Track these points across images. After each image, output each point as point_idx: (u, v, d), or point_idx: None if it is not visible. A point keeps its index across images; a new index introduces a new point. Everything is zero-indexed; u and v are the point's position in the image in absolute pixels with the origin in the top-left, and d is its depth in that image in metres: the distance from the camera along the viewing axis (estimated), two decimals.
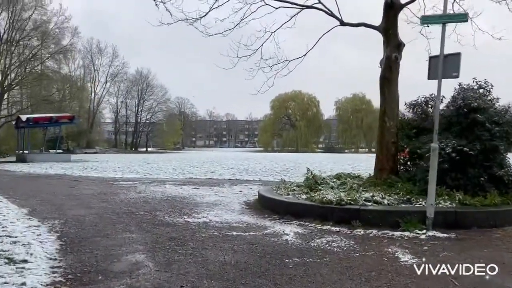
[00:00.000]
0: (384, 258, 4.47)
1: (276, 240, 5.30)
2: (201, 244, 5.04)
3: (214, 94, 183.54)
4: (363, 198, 6.78)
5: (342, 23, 8.92)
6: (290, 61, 9.38)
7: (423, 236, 5.47)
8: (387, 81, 8.12)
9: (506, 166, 6.99)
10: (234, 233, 5.68)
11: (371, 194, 6.99)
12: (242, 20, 9.04)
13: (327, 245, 5.03)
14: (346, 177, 9.08)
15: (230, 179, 14.01)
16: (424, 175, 7.05)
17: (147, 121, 69.60)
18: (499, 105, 7.47)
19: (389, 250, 4.81)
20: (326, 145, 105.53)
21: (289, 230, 5.84)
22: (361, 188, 7.66)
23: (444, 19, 5.65)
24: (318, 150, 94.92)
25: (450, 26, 8.46)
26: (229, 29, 9.27)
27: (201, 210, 7.47)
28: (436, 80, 5.88)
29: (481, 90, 7.48)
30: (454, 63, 5.62)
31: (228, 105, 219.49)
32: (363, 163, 26.35)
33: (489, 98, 7.47)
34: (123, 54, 65.19)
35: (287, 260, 4.38)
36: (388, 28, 8.17)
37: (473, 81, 7.52)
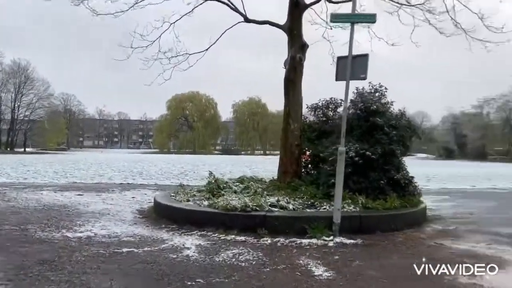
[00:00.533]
0: (297, 273, 4.05)
1: (175, 256, 4.58)
2: (81, 267, 4.09)
3: (104, 91, 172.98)
4: (269, 203, 6.39)
5: (247, 20, 8.51)
6: (190, 54, 8.70)
7: (331, 244, 5.23)
8: (291, 82, 7.90)
9: (403, 170, 7.19)
10: (125, 249, 4.80)
11: (276, 198, 6.64)
12: (136, 3, 8.10)
13: (234, 260, 4.46)
14: (249, 181, 8.66)
15: (121, 183, 12.75)
16: (327, 179, 6.95)
17: (26, 118, 62.27)
18: (393, 109, 7.70)
19: (301, 262, 4.43)
20: (223, 147, 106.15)
21: (190, 243, 5.15)
22: (265, 192, 7.28)
23: (353, 18, 5.51)
24: (216, 152, 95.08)
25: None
26: (122, 11, 8.25)
27: (85, 222, 6.37)
28: (344, 82, 5.73)
29: (377, 94, 7.63)
30: (362, 65, 5.51)
31: (120, 104, 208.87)
32: (260, 165, 26.72)
33: (384, 101, 7.63)
34: None
35: (189, 283, 3.71)
36: (293, 28, 7.96)
37: (369, 85, 7.65)
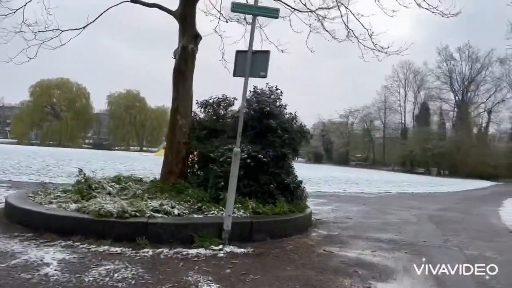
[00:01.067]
0: None
1: (29, 276, 3.60)
2: None
3: None
4: (151, 208, 5.66)
5: (133, 0, 7.60)
6: (63, 31, 7.40)
7: (221, 254, 4.76)
8: (181, 74, 7.24)
9: (292, 174, 7.10)
10: None
11: (160, 202, 5.92)
12: None
13: (108, 279, 3.68)
14: (127, 181, 7.70)
15: None
16: (217, 181, 6.49)
17: None
18: (287, 112, 7.60)
19: (189, 278, 3.85)
20: (95, 141, 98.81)
21: (51, 257, 4.17)
22: (146, 195, 6.49)
23: (255, 10, 5.13)
24: (86, 145, 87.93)
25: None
26: None
27: None
28: (239, 79, 5.33)
29: (272, 96, 7.45)
30: (263, 62, 5.16)
31: None
32: (137, 162, 25.19)
33: (278, 104, 7.49)
34: None
35: None
36: (186, 15, 7.32)
37: (266, 86, 7.44)
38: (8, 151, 27.47)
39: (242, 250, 4.98)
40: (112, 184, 7.32)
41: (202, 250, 4.82)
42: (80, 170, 7.14)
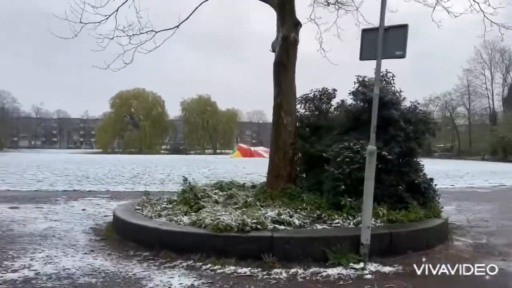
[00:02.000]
0: None
1: None
2: None
3: (42, 88, 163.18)
4: (270, 219, 5.02)
5: None
6: (157, 32, 7.05)
7: (368, 275, 3.96)
8: (283, 67, 6.55)
9: (421, 171, 6.10)
10: None
11: (277, 211, 5.26)
12: None
13: None
14: (229, 187, 7.23)
15: (65, 190, 10.75)
16: (335, 184, 5.68)
17: None
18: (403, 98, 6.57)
19: None
20: (171, 146, 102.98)
21: (179, 283, 3.66)
22: (258, 203, 5.89)
23: None
24: (163, 151, 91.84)
25: None
26: None
27: (22, 250, 4.63)
28: (371, 61, 4.49)
29: (383, 83, 6.48)
30: (399, 39, 4.28)
31: (59, 102, 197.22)
32: (218, 165, 25.16)
33: (393, 90, 6.49)
34: None
35: None
36: (284, 2, 6.63)
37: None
38: (97, 161, 28.98)
39: (389, 268, 4.14)
40: (216, 191, 6.85)
41: (342, 270, 4.06)
42: (185, 179, 6.73)
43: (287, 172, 6.49)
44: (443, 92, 56.93)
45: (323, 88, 7.38)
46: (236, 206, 5.73)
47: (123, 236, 5.41)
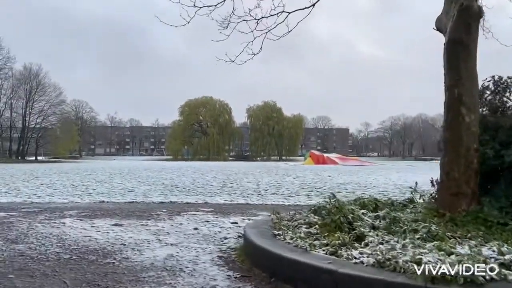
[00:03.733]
0: None
1: None
2: None
3: (115, 98, 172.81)
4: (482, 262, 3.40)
5: None
6: (290, 13, 5.74)
7: None
8: (462, 47, 4.90)
9: None
10: None
11: (495, 249, 3.64)
12: None
13: None
14: (374, 204, 5.71)
15: (162, 202, 9.83)
16: None
17: (37, 126, 59.99)
18: None
19: None
20: (237, 153, 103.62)
21: None
22: (439, 231, 4.29)
23: None
24: (230, 158, 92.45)
25: None
26: None
27: None
28: None
29: None
30: None
31: (131, 110, 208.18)
32: (299, 172, 23.62)
33: None
34: (8, 47, 54.99)
35: None
36: None
37: None
38: (175, 168, 28.76)
39: None
40: (364, 211, 5.36)
41: None
42: (333, 195, 5.31)
43: (471, 188, 4.82)
44: None
45: (497, 76, 5.66)
46: (418, 237, 4.17)
47: (270, 273, 4.06)
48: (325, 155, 47.24)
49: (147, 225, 6.68)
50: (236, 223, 6.91)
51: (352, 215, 4.96)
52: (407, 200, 6.13)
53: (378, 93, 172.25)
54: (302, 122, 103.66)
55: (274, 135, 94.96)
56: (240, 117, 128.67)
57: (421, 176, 20.27)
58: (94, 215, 7.62)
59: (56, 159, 62.43)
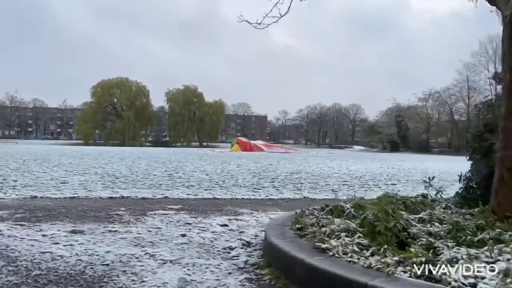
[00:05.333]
0: None
1: None
2: None
3: (14, 75, 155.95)
4: None
5: None
6: None
7: None
8: None
9: None
10: None
11: None
12: None
13: None
14: (403, 204, 4.95)
15: (112, 197, 8.21)
16: None
17: None
18: None
19: None
20: (154, 139, 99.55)
21: None
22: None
23: None
24: (147, 143, 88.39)
25: None
26: None
27: None
28: None
29: None
30: None
31: (35, 90, 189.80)
32: (237, 161, 22.62)
33: None
34: None
35: None
36: None
37: None
38: (96, 154, 26.03)
39: None
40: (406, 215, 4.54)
41: None
42: (392, 196, 4.39)
43: None
44: (444, 87, 56.02)
45: None
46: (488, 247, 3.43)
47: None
48: (252, 142, 46.87)
49: (116, 231, 5.23)
50: (226, 225, 5.75)
51: (405, 221, 4.12)
52: (429, 197, 5.49)
53: (294, 83, 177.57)
54: (224, 108, 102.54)
55: (195, 120, 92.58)
56: (157, 101, 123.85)
57: (362, 164, 20.54)
58: (36, 218, 5.91)
59: None
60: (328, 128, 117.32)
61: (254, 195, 8.96)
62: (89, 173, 12.80)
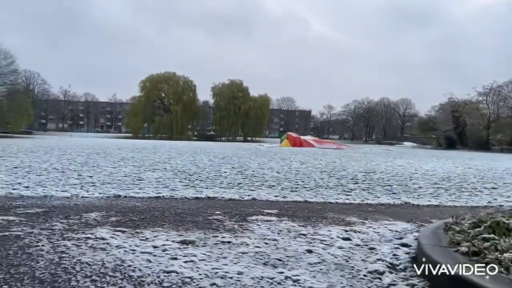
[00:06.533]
0: None
1: None
2: None
3: (70, 70, 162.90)
4: None
5: None
6: None
7: None
8: None
9: None
10: None
11: None
12: None
13: None
14: None
15: (198, 197, 7.63)
16: None
17: None
18: None
19: None
20: (199, 132, 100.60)
21: None
22: None
23: None
24: (194, 137, 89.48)
25: None
26: None
27: None
28: None
29: None
30: None
31: (87, 84, 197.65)
32: (298, 157, 21.76)
33: None
34: None
35: None
36: None
37: None
38: (153, 148, 26.05)
39: None
40: None
41: None
42: None
43: None
44: (507, 81, 52.32)
45: None
46: None
47: None
48: (302, 137, 45.84)
49: (229, 242, 4.56)
50: (348, 239, 4.93)
51: None
52: None
53: (337, 77, 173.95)
54: (269, 103, 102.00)
55: (240, 115, 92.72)
56: (204, 96, 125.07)
57: (433, 163, 18.95)
58: (132, 222, 5.36)
59: (5, 134, 57.03)
60: (375, 124, 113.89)
61: (348, 199, 8.08)
62: (158, 168, 12.40)
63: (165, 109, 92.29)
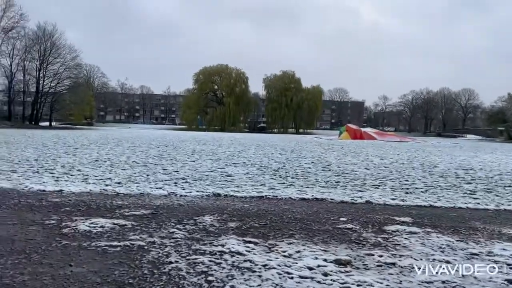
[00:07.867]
0: None
1: None
2: None
3: (127, 63, 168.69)
4: None
5: None
6: None
7: None
8: None
9: None
10: None
11: None
12: None
13: None
14: None
15: (304, 198, 6.77)
16: None
17: (52, 90, 56.44)
18: None
19: None
20: (250, 124, 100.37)
21: None
22: None
23: None
24: (245, 129, 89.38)
25: None
26: None
27: None
28: None
29: None
30: None
31: (142, 77, 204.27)
32: (375, 151, 20.43)
33: None
34: (20, 3, 50.51)
35: None
36: None
37: None
38: (217, 140, 25.67)
39: None
40: None
41: None
42: None
43: None
44: None
45: None
46: None
47: None
48: (362, 129, 43.97)
49: (393, 264, 3.62)
50: None
51: None
52: None
53: (391, 67, 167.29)
54: (321, 94, 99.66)
55: (292, 106, 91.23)
56: (254, 87, 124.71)
57: None
58: (257, 230, 4.57)
59: (70, 125, 59.62)
60: (434, 115, 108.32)
61: (478, 203, 6.89)
62: (238, 163, 11.70)
63: (217, 101, 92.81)
